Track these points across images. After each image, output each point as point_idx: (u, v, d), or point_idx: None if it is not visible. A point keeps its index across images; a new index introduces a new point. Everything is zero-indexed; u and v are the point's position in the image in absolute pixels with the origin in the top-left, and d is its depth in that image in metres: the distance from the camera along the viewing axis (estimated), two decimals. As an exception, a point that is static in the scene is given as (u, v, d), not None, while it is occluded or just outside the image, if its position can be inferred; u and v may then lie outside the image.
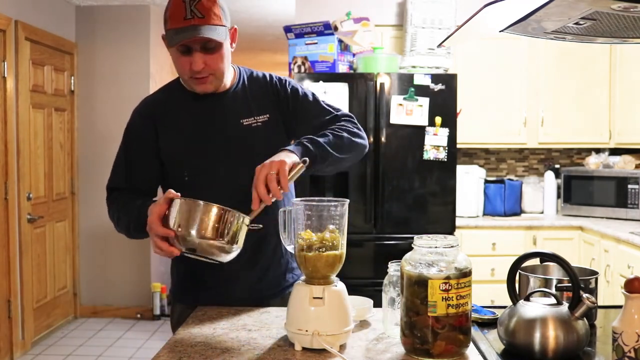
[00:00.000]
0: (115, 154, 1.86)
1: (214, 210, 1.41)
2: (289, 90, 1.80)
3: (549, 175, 4.61)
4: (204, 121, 1.74)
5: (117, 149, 1.82)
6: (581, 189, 4.39)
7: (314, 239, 1.42)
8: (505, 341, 1.46)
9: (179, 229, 1.42)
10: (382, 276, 1.57)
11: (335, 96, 3.76)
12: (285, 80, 1.83)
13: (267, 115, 1.76)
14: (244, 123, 1.74)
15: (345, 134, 1.71)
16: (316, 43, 3.92)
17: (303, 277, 1.46)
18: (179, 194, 1.48)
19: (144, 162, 1.76)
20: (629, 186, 4.11)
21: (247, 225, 1.46)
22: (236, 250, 1.45)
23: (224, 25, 1.63)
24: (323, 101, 1.83)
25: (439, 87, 3.82)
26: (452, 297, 1.31)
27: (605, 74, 4.40)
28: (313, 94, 1.84)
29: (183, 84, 1.79)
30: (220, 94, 1.75)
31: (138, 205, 1.63)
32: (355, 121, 1.81)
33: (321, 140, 1.64)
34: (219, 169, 1.72)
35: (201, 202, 1.42)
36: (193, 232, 1.41)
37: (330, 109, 1.81)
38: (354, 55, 4.09)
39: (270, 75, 1.84)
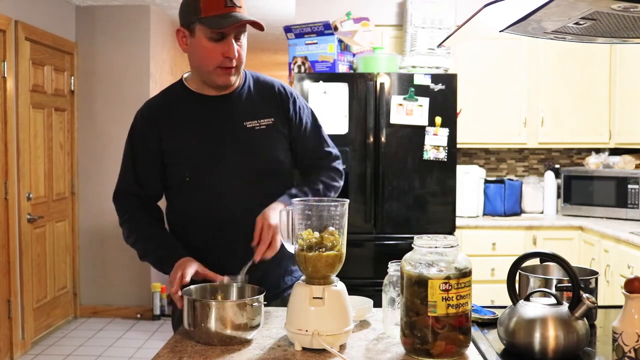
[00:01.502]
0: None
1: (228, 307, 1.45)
2: (298, 111, 1.83)
3: (549, 175, 4.61)
4: (207, 122, 1.75)
5: (122, 152, 1.83)
6: (581, 189, 4.39)
7: (314, 239, 1.42)
8: (505, 341, 1.46)
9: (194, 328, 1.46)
10: (382, 276, 1.57)
11: (335, 96, 3.76)
12: (294, 98, 1.85)
13: (272, 119, 1.78)
14: (247, 125, 1.75)
15: (321, 187, 1.81)
16: (316, 43, 3.92)
17: (303, 277, 1.46)
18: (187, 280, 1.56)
19: (151, 165, 1.77)
20: (629, 186, 4.11)
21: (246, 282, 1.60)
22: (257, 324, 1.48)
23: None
24: (322, 133, 1.89)
25: (439, 87, 3.82)
26: (452, 297, 1.32)
27: (605, 74, 4.40)
28: (314, 121, 1.88)
29: (188, 82, 1.79)
30: (225, 96, 1.76)
31: (155, 247, 1.74)
32: (341, 167, 1.90)
33: (311, 194, 1.77)
34: (219, 170, 1.73)
35: (213, 303, 1.45)
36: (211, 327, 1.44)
37: (322, 148, 1.88)
38: (354, 55, 4.09)
39: (281, 85, 1.85)
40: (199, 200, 1.74)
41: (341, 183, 1.90)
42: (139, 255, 1.78)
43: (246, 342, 1.45)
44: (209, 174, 1.73)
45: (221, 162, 1.73)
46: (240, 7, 1.64)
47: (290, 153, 1.83)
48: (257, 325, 1.47)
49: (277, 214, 1.60)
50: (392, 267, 1.53)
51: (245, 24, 1.64)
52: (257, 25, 1.66)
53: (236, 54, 1.65)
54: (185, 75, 1.82)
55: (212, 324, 1.41)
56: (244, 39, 1.69)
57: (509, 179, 4.62)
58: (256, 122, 1.76)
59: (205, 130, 1.74)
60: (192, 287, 1.55)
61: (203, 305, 1.43)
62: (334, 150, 1.92)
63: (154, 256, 1.73)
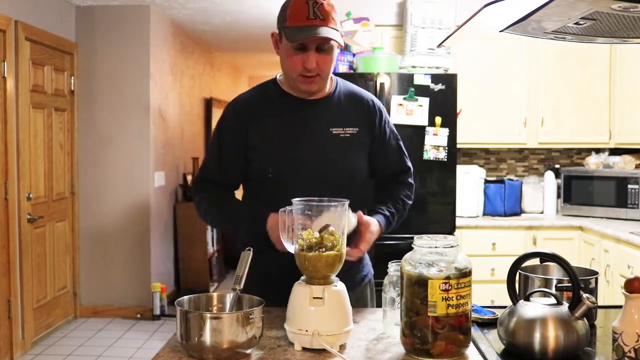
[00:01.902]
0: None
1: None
2: (384, 126, 1.91)
3: (549, 175, 4.61)
4: (295, 124, 1.80)
5: (209, 143, 1.89)
6: (581, 189, 4.39)
7: (314, 239, 1.42)
8: (505, 341, 1.46)
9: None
10: (382, 276, 1.57)
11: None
12: (381, 112, 1.91)
13: (357, 129, 1.83)
14: (333, 131, 1.80)
15: (401, 205, 1.93)
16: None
17: (303, 277, 1.46)
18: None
19: (236, 157, 1.82)
20: (629, 186, 4.11)
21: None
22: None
23: (338, 30, 1.73)
24: (402, 149, 1.98)
25: (439, 87, 3.82)
26: (452, 297, 1.32)
27: (605, 74, 4.40)
28: (397, 139, 1.96)
29: (281, 83, 1.85)
30: (315, 100, 1.82)
31: (244, 208, 1.81)
32: (413, 180, 1.99)
33: (397, 216, 1.91)
34: (302, 170, 1.76)
35: None
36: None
37: (404, 162, 1.97)
38: (354, 55, 4.08)
39: (372, 100, 1.91)
40: (278, 197, 1.73)
41: (412, 196, 1.98)
42: (224, 220, 1.84)
43: (245, 357, 1.37)
44: (292, 172, 1.76)
45: (305, 163, 1.77)
46: (324, 19, 1.67)
47: (368, 165, 1.88)
48: (257, 339, 1.38)
49: (375, 228, 1.75)
50: (392, 267, 1.53)
51: (320, 40, 1.67)
52: (329, 43, 1.70)
53: (314, 65, 1.70)
54: (278, 76, 1.88)
55: (207, 338, 1.32)
56: (329, 50, 1.72)
57: (509, 179, 4.62)
58: (342, 129, 1.81)
59: (292, 130, 1.79)
60: (184, 297, 1.46)
61: (197, 318, 1.34)
62: (410, 164, 1.99)
63: (246, 216, 1.77)
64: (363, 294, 1.92)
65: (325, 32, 1.66)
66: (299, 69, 1.72)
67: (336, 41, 1.70)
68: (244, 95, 1.89)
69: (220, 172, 1.84)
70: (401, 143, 1.97)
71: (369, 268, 1.97)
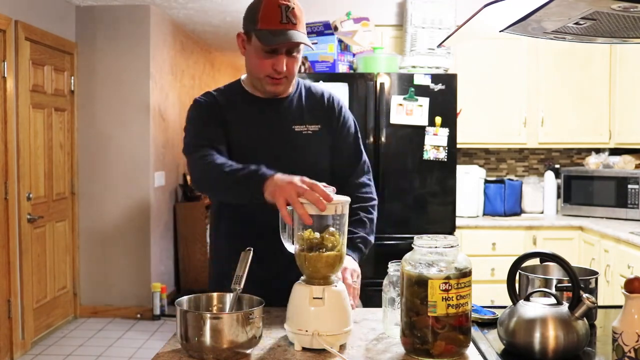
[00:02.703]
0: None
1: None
2: (342, 121, 1.91)
3: (549, 175, 4.61)
4: (258, 123, 1.82)
5: (185, 126, 1.83)
6: (581, 189, 4.39)
7: (315, 239, 1.42)
8: (505, 341, 1.46)
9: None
10: (382, 276, 1.57)
11: (335, 96, 3.76)
12: (340, 107, 1.92)
13: (319, 126, 1.86)
14: (296, 129, 1.82)
15: (375, 218, 1.90)
16: (316, 43, 3.92)
17: (303, 277, 1.46)
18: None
19: (219, 128, 1.79)
20: (629, 186, 4.11)
21: None
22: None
23: (305, 33, 1.76)
24: (360, 143, 1.95)
25: (439, 87, 3.82)
26: (452, 297, 1.31)
27: (605, 74, 4.40)
28: (356, 132, 1.94)
29: (245, 84, 1.86)
30: (278, 100, 1.83)
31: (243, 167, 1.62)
32: (372, 187, 1.95)
33: (369, 238, 1.86)
34: (273, 168, 1.74)
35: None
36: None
37: (361, 156, 1.94)
38: (354, 55, 4.08)
39: (330, 95, 1.93)
40: None
41: (374, 197, 1.94)
42: (222, 178, 1.64)
43: (245, 357, 1.37)
44: None
45: (269, 161, 1.73)
46: (295, 23, 1.70)
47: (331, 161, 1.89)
48: (257, 339, 1.38)
49: (353, 263, 1.74)
50: (392, 267, 1.53)
51: (294, 45, 1.71)
52: (299, 47, 1.74)
53: (284, 69, 1.72)
54: (242, 77, 1.90)
55: (207, 338, 1.31)
56: (297, 53, 1.75)
57: (509, 179, 4.62)
58: (304, 127, 1.83)
59: (259, 130, 1.81)
60: (184, 297, 1.46)
61: (196, 318, 1.33)
62: (366, 159, 1.96)
63: (244, 171, 1.59)
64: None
65: (298, 36, 1.69)
66: (268, 70, 1.74)
67: (308, 45, 1.73)
68: (214, 91, 1.89)
69: (209, 138, 1.76)
70: (359, 136, 1.95)
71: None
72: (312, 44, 3.91)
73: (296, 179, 1.43)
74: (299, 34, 1.70)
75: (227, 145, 1.79)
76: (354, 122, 1.96)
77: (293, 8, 1.70)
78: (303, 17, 1.74)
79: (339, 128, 1.90)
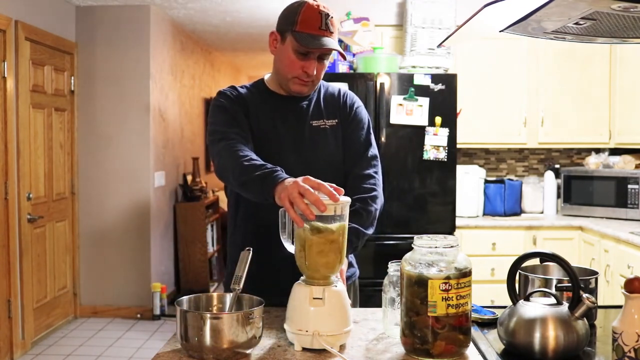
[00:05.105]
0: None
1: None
2: (353, 114, 1.95)
3: (549, 175, 4.61)
4: (279, 117, 1.88)
5: (210, 114, 1.87)
6: (581, 189, 4.39)
7: (314, 239, 1.42)
8: (505, 341, 1.46)
9: None
10: (382, 276, 1.57)
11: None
12: (354, 102, 1.97)
13: (336, 120, 1.92)
14: (313, 124, 1.89)
15: (375, 211, 1.85)
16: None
17: (303, 277, 1.46)
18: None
19: (245, 119, 1.83)
20: (629, 186, 4.11)
21: None
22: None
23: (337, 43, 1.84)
24: (370, 137, 1.96)
25: (439, 87, 3.82)
26: (452, 297, 1.32)
27: (605, 74, 4.40)
28: (368, 127, 1.97)
29: (268, 82, 1.91)
30: (299, 98, 1.90)
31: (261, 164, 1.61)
32: (379, 185, 1.92)
33: (362, 229, 1.77)
34: (285, 160, 1.78)
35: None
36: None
37: (368, 148, 1.94)
38: (354, 55, 4.08)
39: (345, 92, 1.99)
40: None
41: (378, 190, 1.90)
42: (239, 173, 1.64)
43: (244, 357, 1.37)
44: (283, 165, 1.69)
45: (288, 154, 1.83)
46: (332, 32, 1.80)
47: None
48: (257, 339, 1.39)
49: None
50: (392, 267, 1.53)
51: (328, 51, 1.80)
52: (341, 55, 1.83)
53: (314, 72, 1.79)
54: (265, 77, 1.94)
55: (207, 338, 1.32)
56: (326, 60, 1.83)
57: (509, 179, 4.62)
58: (322, 121, 1.90)
59: (279, 125, 1.86)
60: (184, 297, 1.46)
61: (196, 318, 1.34)
62: (375, 157, 1.95)
63: (260, 171, 1.57)
64: (347, 294, 1.92)
65: (333, 44, 1.78)
66: (298, 72, 1.80)
67: (341, 53, 1.82)
68: (239, 86, 1.93)
69: (235, 127, 1.78)
70: (370, 132, 1.97)
71: (353, 270, 1.99)
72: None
73: (300, 179, 1.44)
74: (334, 42, 1.79)
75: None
76: (368, 119, 2.00)
77: (332, 17, 1.82)
78: (336, 28, 1.84)
79: (349, 121, 1.95)
